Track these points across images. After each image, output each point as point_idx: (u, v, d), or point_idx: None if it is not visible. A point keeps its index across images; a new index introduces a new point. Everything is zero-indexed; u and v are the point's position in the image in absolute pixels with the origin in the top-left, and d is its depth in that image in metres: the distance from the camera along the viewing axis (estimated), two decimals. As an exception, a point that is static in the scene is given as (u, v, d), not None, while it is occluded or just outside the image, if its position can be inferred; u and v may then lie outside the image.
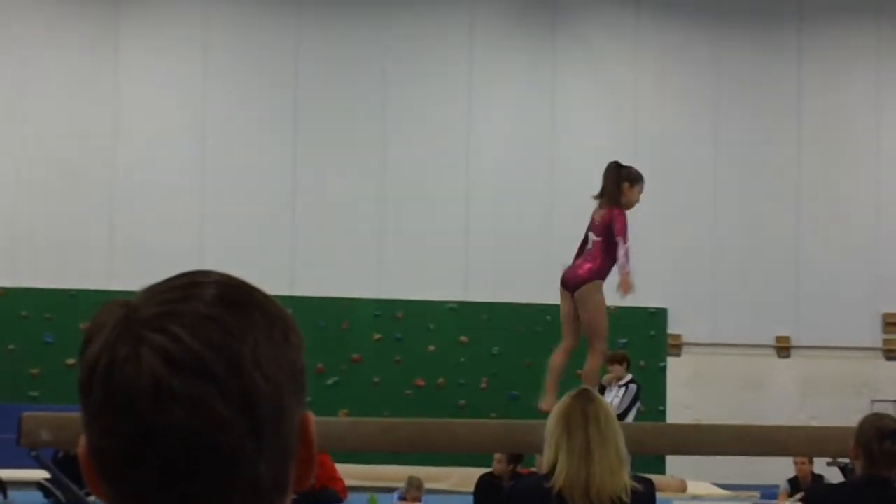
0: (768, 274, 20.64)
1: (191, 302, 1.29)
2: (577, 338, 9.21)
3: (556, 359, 9.20)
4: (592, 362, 9.18)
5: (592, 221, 9.21)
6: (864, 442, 5.58)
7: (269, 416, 1.28)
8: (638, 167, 9.35)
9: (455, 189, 20.36)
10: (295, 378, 1.33)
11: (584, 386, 5.57)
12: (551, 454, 4.83)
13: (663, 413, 19.81)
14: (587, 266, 9.10)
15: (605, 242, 9.10)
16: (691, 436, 9.21)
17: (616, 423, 4.96)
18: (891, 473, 5.55)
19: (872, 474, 5.54)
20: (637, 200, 9.21)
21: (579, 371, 9.29)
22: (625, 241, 9.01)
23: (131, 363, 1.24)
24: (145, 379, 1.23)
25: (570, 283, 9.11)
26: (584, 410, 4.84)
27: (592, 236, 9.18)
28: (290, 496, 1.34)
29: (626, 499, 4.73)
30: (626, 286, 8.97)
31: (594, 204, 9.26)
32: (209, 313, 1.28)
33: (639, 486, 4.82)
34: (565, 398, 4.97)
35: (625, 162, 9.41)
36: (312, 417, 1.36)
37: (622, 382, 14.03)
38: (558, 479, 4.75)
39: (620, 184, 9.14)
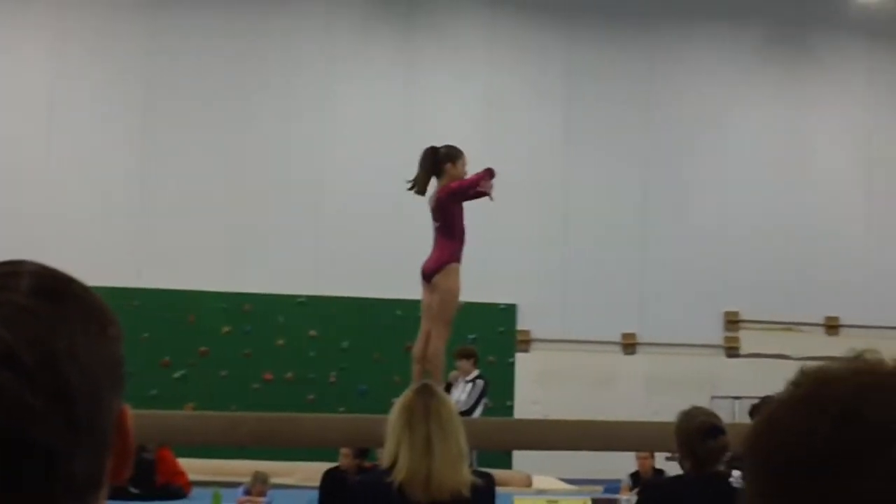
0: (616, 271, 20.89)
1: (4, 292, 1.26)
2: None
3: (418, 347, 9.26)
4: (436, 345, 9.23)
5: (430, 211, 9.31)
6: (687, 442, 5.67)
7: (85, 409, 1.26)
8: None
9: (306, 181, 20.26)
10: (112, 371, 1.31)
11: (425, 381, 5.59)
12: (393, 448, 4.85)
13: (511, 408, 19.94)
14: (436, 255, 9.20)
15: (444, 225, 9.19)
16: (536, 431, 9.29)
17: (457, 417, 4.99)
18: (718, 467, 5.66)
19: (703, 470, 5.63)
20: (464, 174, 9.32)
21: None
22: (469, 181, 9.16)
23: (-62, 354, 1.21)
24: (-47, 370, 1.20)
25: (427, 273, 9.22)
26: (425, 405, 4.86)
27: (434, 224, 9.28)
28: (106, 489, 1.32)
29: (465, 493, 4.76)
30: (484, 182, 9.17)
31: None
32: (24, 304, 1.25)
33: (479, 481, 4.85)
34: (407, 392, 4.98)
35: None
36: (130, 410, 1.35)
37: (470, 378, 14.04)
38: (399, 474, 4.77)
39: (443, 166, 9.26)
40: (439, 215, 9.23)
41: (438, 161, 9.30)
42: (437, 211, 9.24)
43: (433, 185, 9.37)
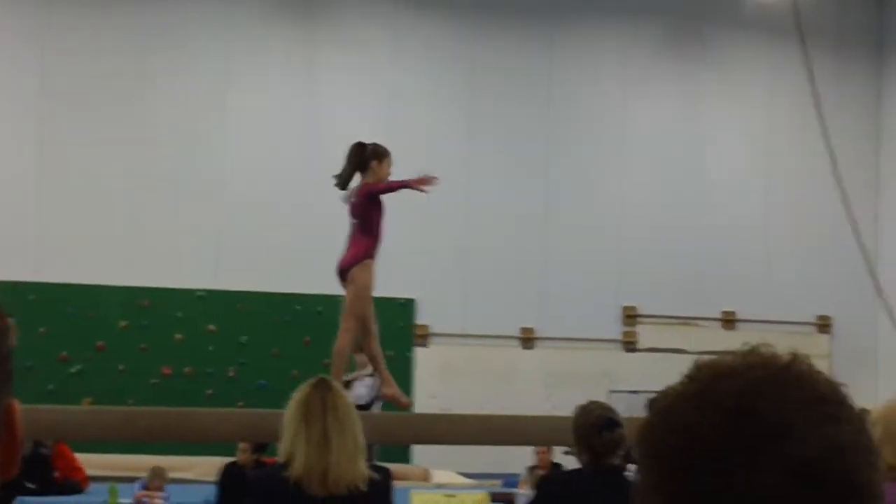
0: (514, 266, 20.95)
1: None
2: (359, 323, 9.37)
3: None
4: (344, 339, 9.24)
5: (349, 207, 9.29)
6: (583, 437, 5.72)
7: (-29, 403, 1.24)
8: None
9: (206, 176, 20.11)
10: None
11: (322, 375, 5.58)
12: (290, 442, 4.84)
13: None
14: (352, 251, 9.19)
15: (362, 222, 9.18)
16: (435, 425, 9.30)
17: (354, 412, 4.98)
18: (614, 460, 5.71)
19: (600, 464, 5.68)
20: (388, 174, 9.33)
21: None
22: (392, 183, 9.20)
23: None
24: None
25: (342, 269, 9.21)
26: (322, 399, 4.85)
27: (351, 220, 9.26)
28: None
29: (363, 487, 4.76)
30: (423, 182, 9.25)
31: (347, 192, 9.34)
32: None
33: (376, 475, 4.85)
34: (304, 387, 4.98)
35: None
36: (18, 405, 1.32)
37: (368, 372, 14.05)
38: (296, 468, 4.76)
39: (369, 163, 9.25)
40: (359, 213, 9.18)
41: (365, 157, 9.26)
42: (357, 208, 9.19)
43: (355, 181, 9.35)
